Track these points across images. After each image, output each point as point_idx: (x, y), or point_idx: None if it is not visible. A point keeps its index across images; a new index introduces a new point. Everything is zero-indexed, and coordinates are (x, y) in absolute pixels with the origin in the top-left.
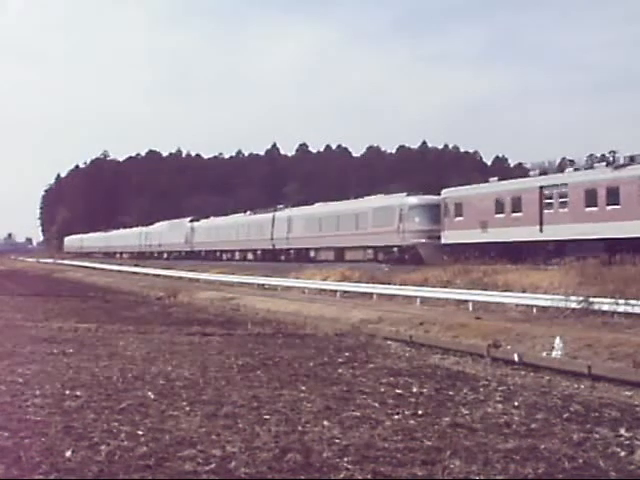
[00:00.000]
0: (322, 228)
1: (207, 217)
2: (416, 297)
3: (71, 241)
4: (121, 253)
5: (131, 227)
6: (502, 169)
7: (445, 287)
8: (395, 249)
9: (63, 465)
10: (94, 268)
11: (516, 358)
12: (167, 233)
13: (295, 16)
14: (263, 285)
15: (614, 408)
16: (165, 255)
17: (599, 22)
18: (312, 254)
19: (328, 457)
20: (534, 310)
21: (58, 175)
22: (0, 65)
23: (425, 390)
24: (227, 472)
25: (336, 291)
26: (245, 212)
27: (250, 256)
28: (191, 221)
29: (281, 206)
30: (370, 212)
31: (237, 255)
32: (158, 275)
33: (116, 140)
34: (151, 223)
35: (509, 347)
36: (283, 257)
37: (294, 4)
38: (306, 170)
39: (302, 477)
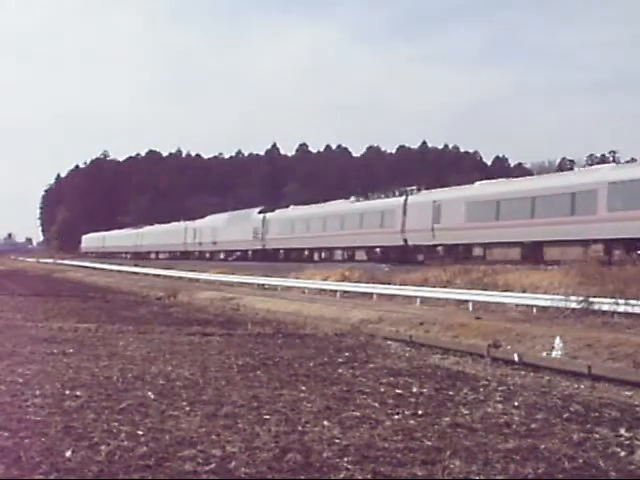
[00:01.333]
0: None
1: (286, 206)
2: (416, 297)
3: (90, 240)
4: (157, 253)
5: (169, 222)
6: (502, 169)
7: (445, 287)
8: None
9: (63, 465)
10: (94, 268)
11: (516, 358)
12: (226, 228)
13: (295, 16)
14: (263, 285)
15: (614, 408)
16: (222, 255)
17: (599, 22)
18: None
19: (328, 457)
20: (534, 310)
21: (58, 175)
22: (0, 65)
23: (425, 390)
24: (227, 472)
25: (336, 291)
26: (349, 198)
27: (362, 256)
28: (262, 212)
29: (413, 188)
30: None
31: (339, 254)
32: (158, 275)
33: (116, 140)
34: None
35: (509, 347)
36: (422, 257)
37: (294, 4)
38: (306, 170)
39: (302, 477)
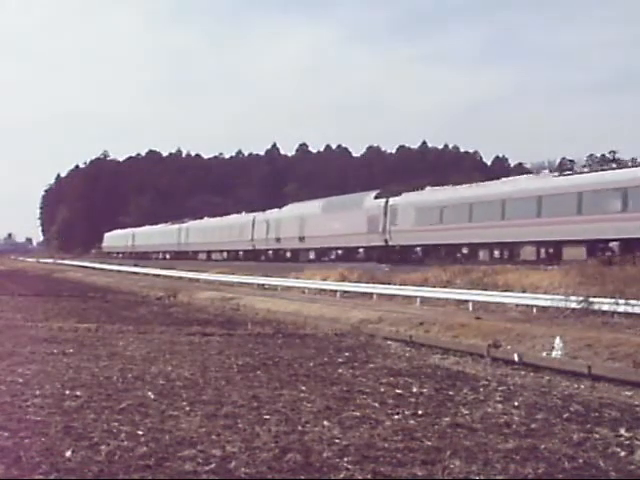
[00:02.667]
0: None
1: (418, 188)
2: (416, 297)
3: (114, 238)
4: (208, 253)
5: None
6: (502, 169)
7: (445, 287)
8: None
9: (63, 465)
10: (94, 268)
11: (516, 358)
12: (321, 219)
13: (295, 16)
14: (263, 285)
15: (614, 408)
16: (312, 255)
17: (599, 21)
18: None
19: (328, 457)
20: (534, 310)
21: (58, 175)
22: (0, 65)
23: (425, 390)
24: (227, 472)
25: (336, 291)
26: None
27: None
28: (379, 196)
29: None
30: None
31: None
32: (158, 275)
33: (116, 140)
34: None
35: (509, 347)
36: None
37: (294, 4)
38: (306, 170)
39: (302, 477)
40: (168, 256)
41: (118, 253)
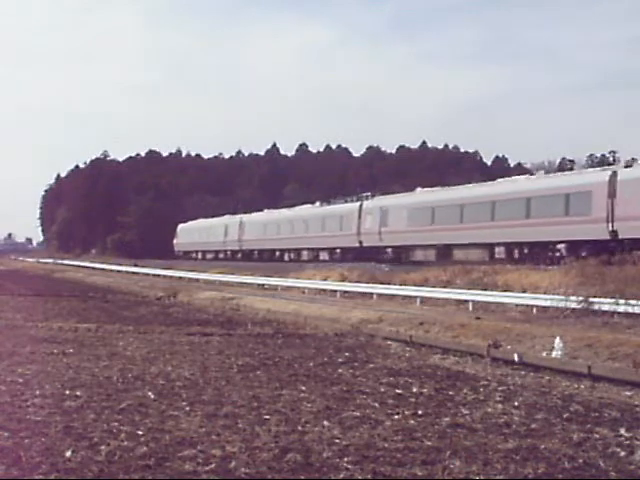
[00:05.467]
0: None
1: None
2: (416, 297)
3: (200, 231)
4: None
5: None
6: (502, 169)
7: (445, 287)
8: None
9: (63, 465)
10: (94, 268)
11: (516, 358)
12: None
13: (294, 16)
14: (263, 285)
15: (614, 408)
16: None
17: (599, 21)
18: None
19: (328, 457)
20: (534, 310)
21: (58, 175)
22: (0, 65)
23: (425, 390)
24: (227, 472)
25: (336, 291)
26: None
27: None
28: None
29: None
30: None
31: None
32: (158, 275)
33: (116, 140)
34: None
35: (509, 347)
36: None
37: (294, 4)
38: (306, 170)
39: (302, 477)
40: (306, 255)
41: (204, 253)
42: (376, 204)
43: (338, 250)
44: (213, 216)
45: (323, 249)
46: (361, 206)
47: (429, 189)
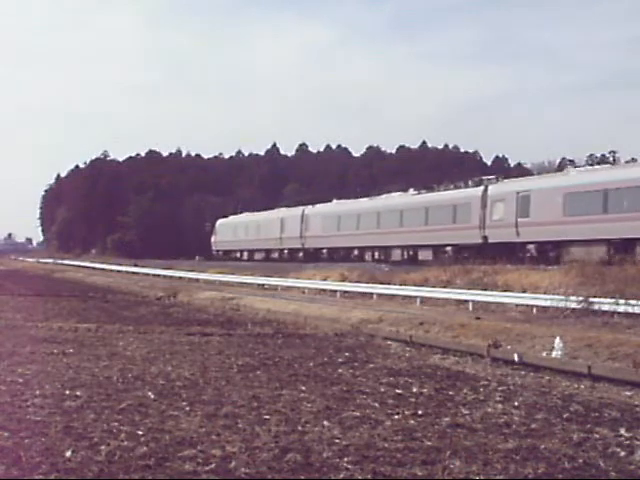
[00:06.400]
0: None
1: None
2: (416, 297)
3: (244, 227)
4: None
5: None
6: (502, 169)
7: (445, 287)
8: None
9: (63, 465)
10: (94, 268)
11: (516, 358)
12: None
13: (294, 16)
14: (263, 285)
15: (614, 408)
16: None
17: (599, 21)
18: None
19: (328, 457)
20: (534, 310)
21: (58, 175)
22: (0, 65)
23: (425, 390)
24: (227, 472)
25: (336, 291)
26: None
27: None
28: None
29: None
30: None
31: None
32: (158, 275)
33: (116, 140)
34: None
35: (509, 347)
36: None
37: (294, 4)
38: (306, 170)
39: (302, 477)
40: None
41: (251, 252)
42: (510, 188)
43: (448, 248)
44: (266, 209)
45: (424, 247)
46: (486, 191)
47: (597, 167)
